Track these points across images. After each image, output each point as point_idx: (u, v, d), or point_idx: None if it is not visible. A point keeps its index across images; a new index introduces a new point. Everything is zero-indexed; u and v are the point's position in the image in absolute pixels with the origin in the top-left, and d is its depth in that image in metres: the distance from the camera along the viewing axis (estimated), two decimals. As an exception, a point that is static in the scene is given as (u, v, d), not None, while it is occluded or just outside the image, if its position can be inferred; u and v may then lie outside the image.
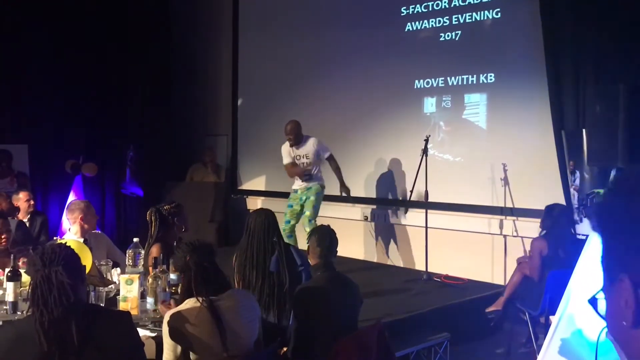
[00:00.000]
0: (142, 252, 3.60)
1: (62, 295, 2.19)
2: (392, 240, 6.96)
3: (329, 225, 3.66)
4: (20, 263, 3.35)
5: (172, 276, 3.62)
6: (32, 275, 2.25)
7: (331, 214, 6.92)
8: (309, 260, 3.53)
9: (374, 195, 7.27)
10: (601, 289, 0.95)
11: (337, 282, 3.41)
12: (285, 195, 8.15)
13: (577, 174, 5.30)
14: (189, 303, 2.63)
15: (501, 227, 6.17)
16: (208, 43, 9.16)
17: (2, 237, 3.87)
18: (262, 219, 3.73)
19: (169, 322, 2.58)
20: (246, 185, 8.90)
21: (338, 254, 3.66)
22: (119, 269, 3.72)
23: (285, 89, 8.29)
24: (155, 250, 3.72)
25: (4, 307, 3.13)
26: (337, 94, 7.68)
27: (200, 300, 2.60)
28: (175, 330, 2.56)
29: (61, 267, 2.22)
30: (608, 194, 1.01)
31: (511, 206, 6.08)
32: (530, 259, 4.89)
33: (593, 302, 0.97)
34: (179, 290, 3.34)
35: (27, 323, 2.23)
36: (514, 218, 6.07)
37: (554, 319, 3.82)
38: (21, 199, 5.58)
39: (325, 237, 3.47)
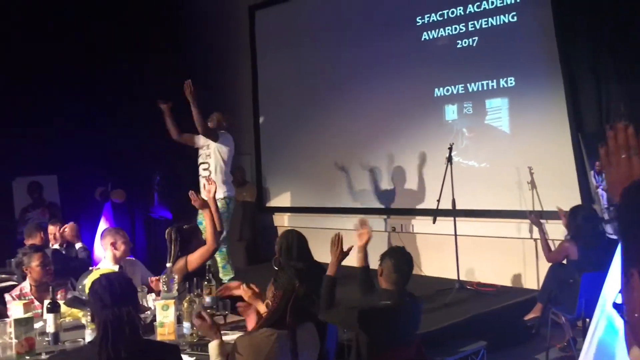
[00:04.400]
0: (176, 276, 3.65)
1: (134, 336, 2.19)
2: (421, 250, 6.94)
3: (404, 248, 3.47)
4: (59, 295, 3.41)
5: (207, 299, 3.68)
6: (96, 311, 2.21)
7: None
8: (380, 283, 3.34)
9: (400, 206, 7.26)
10: (619, 291, 1.00)
11: (409, 309, 3.31)
12: (311, 210, 8.22)
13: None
14: (265, 332, 2.62)
15: (531, 231, 6.11)
16: (227, 64, 9.25)
17: (47, 268, 3.94)
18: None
19: (241, 348, 2.58)
20: (272, 202, 8.95)
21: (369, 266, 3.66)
22: (154, 295, 3.77)
23: (306, 105, 8.34)
24: (182, 265, 3.83)
25: (46, 338, 3.19)
26: (357, 107, 7.71)
27: (289, 323, 2.61)
28: (236, 353, 2.57)
29: (132, 307, 2.21)
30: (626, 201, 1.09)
31: (540, 209, 6.02)
32: (555, 252, 5.04)
33: (617, 306, 1.01)
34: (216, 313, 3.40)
35: (82, 353, 2.25)
36: (544, 221, 6.00)
37: (591, 322, 3.79)
38: (49, 232, 5.66)
39: (404, 263, 3.29)
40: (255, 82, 9.03)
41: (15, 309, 3.39)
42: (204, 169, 6.15)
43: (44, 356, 2.98)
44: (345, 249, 3.48)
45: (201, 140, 6.26)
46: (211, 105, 8.86)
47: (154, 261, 5.92)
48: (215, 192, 4.26)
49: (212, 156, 6.17)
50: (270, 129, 8.91)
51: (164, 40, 8.57)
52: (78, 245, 5.57)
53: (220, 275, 6.19)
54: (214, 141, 6.14)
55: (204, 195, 4.41)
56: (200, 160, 6.26)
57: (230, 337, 3.14)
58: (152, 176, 8.56)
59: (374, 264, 3.47)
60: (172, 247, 3.95)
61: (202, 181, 5.82)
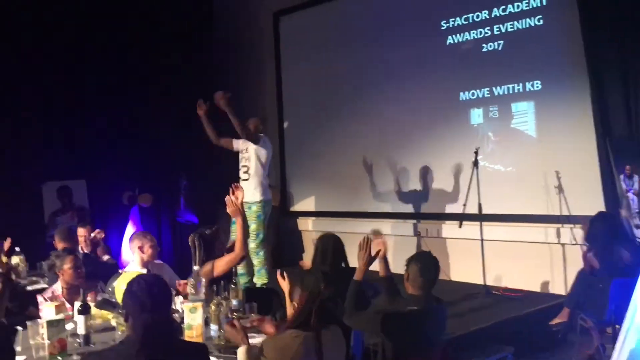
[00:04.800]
0: (203, 280, 3.69)
1: (171, 338, 2.27)
2: (448, 255, 6.90)
3: (430, 252, 3.48)
4: (89, 298, 3.47)
5: (234, 302, 3.71)
6: (134, 313, 2.25)
7: (383, 230, 6.89)
8: (406, 288, 3.34)
9: (426, 210, 7.23)
10: None
11: (435, 314, 3.31)
12: (335, 214, 8.23)
13: (636, 177, 5.18)
14: (291, 334, 2.67)
15: (558, 235, 6.05)
16: (252, 69, 9.32)
17: (79, 270, 4.02)
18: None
19: (268, 350, 2.63)
20: (296, 207, 8.98)
21: (393, 270, 3.64)
22: (181, 298, 3.81)
23: (330, 109, 8.36)
24: (209, 269, 3.86)
25: (77, 339, 3.25)
26: (382, 112, 7.71)
27: (314, 325, 2.66)
28: (263, 355, 2.62)
29: (167, 312, 2.28)
30: None
31: (567, 214, 5.96)
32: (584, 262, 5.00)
33: None
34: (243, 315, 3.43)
35: (114, 353, 2.29)
36: (571, 226, 5.95)
37: (621, 329, 3.73)
38: (79, 234, 5.76)
39: (430, 267, 3.27)
40: (280, 87, 9.08)
41: (48, 311, 3.46)
42: (244, 172, 6.18)
43: (75, 357, 3.03)
44: (373, 253, 3.49)
45: (240, 144, 6.28)
46: (237, 110, 8.97)
47: (181, 264, 5.98)
48: (242, 198, 4.25)
49: (251, 159, 6.18)
50: (295, 133, 8.95)
51: (190, 46, 8.68)
52: (106, 257, 5.69)
53: (255, 279, 6.17)
54: (254, 144, 6.15)
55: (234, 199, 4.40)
56: (240, 163, 6.28)
57: (257, 339, 3.17)
58: (178, 181, 8.65)
59: (400, 268, 3.46)
60: (197, 253, 3.99)
61: (241, 183, 5.90)
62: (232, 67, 9.27)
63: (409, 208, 7.41)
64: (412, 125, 7.42)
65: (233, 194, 4.14)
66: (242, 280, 6.09)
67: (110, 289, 3.69)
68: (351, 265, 4.45)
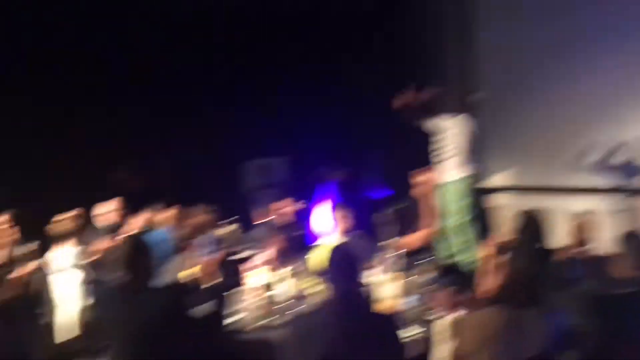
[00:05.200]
0: (396, 253, 3.73)
1: (365, 309, 2.40)
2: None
3: None
4: (289, 267, 3.68)
5: (428, 277, 3.71)
6: (335, 283, 2.40)
7: (587, 207, 6.39)
8: (616, 269, 3.18)
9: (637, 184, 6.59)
10: None
11: None
12: (532, 189, 7.80)
13: None
14: (492, 311, 2.64)
15: None
16: (443, 38, 9.09)
17: (283, 242, 4.29)
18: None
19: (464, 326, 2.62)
20: (490, 182, 8.65)
21: (601, 250, 3.38)
22: (375, 270, 3.89)
23: (527, 78, 7.89)
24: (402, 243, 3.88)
25: (279, 305, 3.46)
26: (585, 80, 7.09)
27: (516, 303, 2.61)
28: (459, 331, 2.59)
29: (363, 282, 2.43)
30: None
31: None
32: None
33: None
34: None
35: (315, 319, 2.43)
36: None
37: None
38: (279, 208, 6.13)
39: None
40: (473, 56, 8.75)
41: (254, 278, 3.74)
42: (442, 151, 5.68)
43: (278, 321, 3.25)
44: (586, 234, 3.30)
45: (440, 122, 5.80)
46: (425, 77, 8.88)
47: (375, 238, 6.11)
48: (433, 180, 4.20)
49: (451, 137, 5.62)
50: (488, 105, 8.59)
51: (381, 18, 8.76)
52: (301, 230, 5.97)
53: (460, 257, 5.86)
54: (454, 120, 5.64)
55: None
56: (439, 142, 5.81)
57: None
58: (374, 155, 8.79)
59: (608, 248, 3.19)
60: (391, 227, 4.05)
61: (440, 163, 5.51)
62: (423, 36, 9.12)
63: (616, 182, 6.80)
64: (619, 94, 6.75)
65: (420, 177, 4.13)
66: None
67: (307, 259, 3.88)
68: (550, 243, 4.21)
